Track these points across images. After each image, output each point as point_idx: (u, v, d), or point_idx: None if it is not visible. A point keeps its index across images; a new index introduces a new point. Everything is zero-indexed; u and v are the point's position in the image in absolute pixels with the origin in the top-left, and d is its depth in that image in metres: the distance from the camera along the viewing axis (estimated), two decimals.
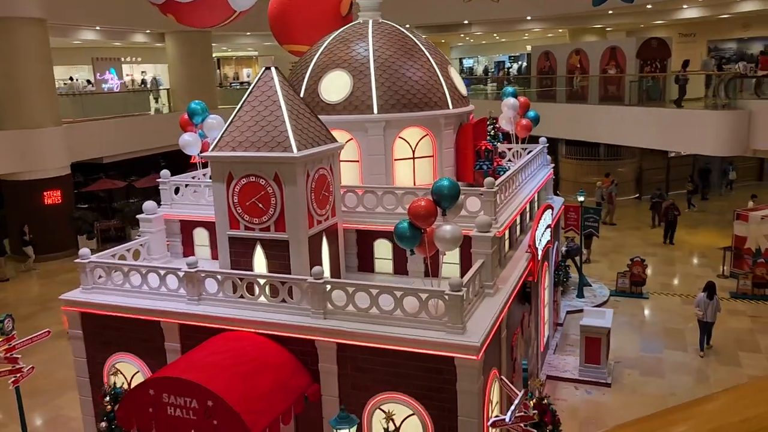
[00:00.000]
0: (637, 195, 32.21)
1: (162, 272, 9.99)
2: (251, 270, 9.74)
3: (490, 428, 8.26)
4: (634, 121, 25.39)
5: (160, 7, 11.10)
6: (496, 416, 8.11)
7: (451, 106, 12.21)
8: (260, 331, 9.22)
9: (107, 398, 9.31)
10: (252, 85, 9.89)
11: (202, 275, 9.71)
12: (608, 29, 40.56)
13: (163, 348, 10.04)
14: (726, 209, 29.35)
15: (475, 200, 10.15)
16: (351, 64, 11.90)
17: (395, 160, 11.89)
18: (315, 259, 9.75)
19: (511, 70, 48.73)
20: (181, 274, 9.78)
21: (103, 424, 9.26)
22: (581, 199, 18.87)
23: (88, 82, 34.75)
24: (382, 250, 10.90)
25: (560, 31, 41.95)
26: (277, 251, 9.56)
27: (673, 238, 23.96)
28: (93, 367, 10.72)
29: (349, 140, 11.52)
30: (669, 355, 15.32)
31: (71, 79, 34.19)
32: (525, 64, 43.35)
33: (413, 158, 12.04)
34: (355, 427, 7.21)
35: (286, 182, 9.28)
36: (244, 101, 9.77)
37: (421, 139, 11.97)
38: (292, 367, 8.94)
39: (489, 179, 10.08)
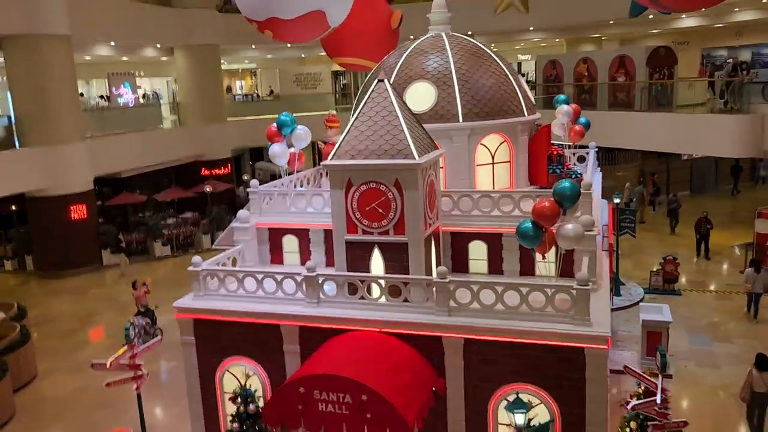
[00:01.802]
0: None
1: (279, 277, 10.38)
2: (368, 272, 10.19)
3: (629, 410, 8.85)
4: (647, 126, 26.46)
5: (259, 23, 11.50)
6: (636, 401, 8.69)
7: (526, 113, 12.84)
8: (385, 330, 9.67)
9: (238, 399, 9.63)
10: (366, 97, 10.37)
11: (321, 279, 10.13)
12: (603, 38, 41.97)
13: (281, 350, 10.41)
14: (730, 209, 30.68)
15: None
16: (434, 75, 12.44)
17: (477, 165, 12.47)
18: (427, 261, 10.26)
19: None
20: (299, 278, 10.19)
21: (235, 425, 9.57)
22: (617, 200, 19.68)
23: (102, 97, 34.69)
24: (477, 251, 11.42)
25: (557, 40, 43.21)
26: (395, 253, 10.03)
27: (708, 252, 23.42)
28: (204, 372, 11.01)
29: None
30: (718, 348, 16.13)
31: (81, 95, 34.12)
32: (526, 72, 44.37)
33: (492, 163, 12.64)
34: (528, 412, 7.63)
35: (407, 188, 9.78)
36: (359, 112, 10.26)
37: (500, 145, 12.56)
38: (421, 362, 9.41)
39: (586, 181, 10.70)
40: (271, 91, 44.05)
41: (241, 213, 12.34)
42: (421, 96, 12.33)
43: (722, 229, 26.18)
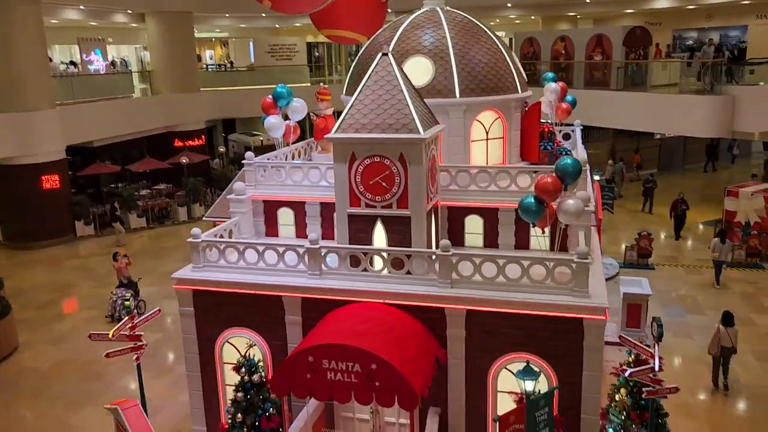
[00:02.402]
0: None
1: (281, 249, 10.44)
2: (370, 245, 10.32)
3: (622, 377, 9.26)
4: (623, 105, 27.05)
5: None
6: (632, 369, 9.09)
7: (519, 90, 13.02)
8: (387, 302, 9.85)
9: (242, 369, 9.72)
10: (370, 70, 10.38)
11: (324, 251, 10.22)
12: (578, 17, 42.34)
13: (282, 321, 10.52)
14: (699, 187, 31.69)
15: None
16: (431, 50, 12.47)
17: (471, 141, 12.63)
18: (428, 234, 10.44)
19: None
20: (301, 250, 10.26)
21: (239, 394, 9.67)
22: (597, 177, 20.15)
23: (71, 63, 33.57)
24: (473, 225, 11.64)
25: (533, 18, 43.40)
26: (398, 227, 10.18)
27: (680, 231, 23.87)
28: (203, 343, 11.05)
29: None
30: (691, 320, 16.85)
31: (50, 60, 32.97)
32: None
33: (487, 139, 12.82)
34: (538, 379, 7.88)
35: (411, 162, 9.89)
36: (363, 85, 10.28)
37: (494, 121, 12.73)
38: (424, 333, 9.64)
39: (583, 158, 10.97)
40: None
41: (237, 185, 12.28)
42: (419, 71, 12.34)
43: (692, 207, 27.06)
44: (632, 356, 10.17)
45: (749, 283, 19.22)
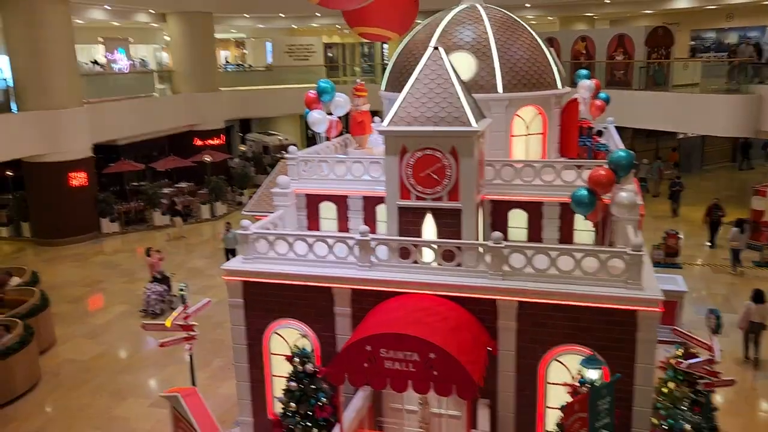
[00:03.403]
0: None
1: (331, 241, 10.55)
2: (420, 237, 10.42)
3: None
4: (647, 105, 27.03)
5: None
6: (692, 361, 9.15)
7: (559, 86, 13.10)
8: (439, 293, 9.94)
9: (296, 359, 9.82)
10: (421, 64, 10.49)
11: (374, 243, 10.32)
12: (596, 18, 42.37)
13: (331, 312, 10.62)
14: (712, 188, 31.60)
15: None
16: (473, 46, 12.56)
17: (512, 136, 12.71)
18: (477, 227, 10.53)
19: None
20: (351, 242, 10.37)
21: (293, 384, 9.78)
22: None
23: (95, 62, 33.87)
24: (517, 219, 11.71)
25: (550, 19, 43.45)
26: (448, 219, 10.27)
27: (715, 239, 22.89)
28: (251, 335, 11.17)
29: None
30: (725, 318, 16.77)
31: None
32: None
33: (527, 135, 12.90)
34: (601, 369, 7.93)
35: (463, 155, 9.99)
36: (414, 79, 10.38)
37: (534, 117, 12.81)
38: (475, 324, 9.73)
39: (631, 153, 11.03)
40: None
41: (281, 178, 12.39)
42: (461, 66, 12.39)
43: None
44: (681, 350, 10.26)
45: None
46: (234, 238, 20.74)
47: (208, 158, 29.92)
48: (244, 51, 55.42)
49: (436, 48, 10.52)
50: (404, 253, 10.26)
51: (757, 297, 14.77)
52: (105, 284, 21.25)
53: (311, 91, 12.94)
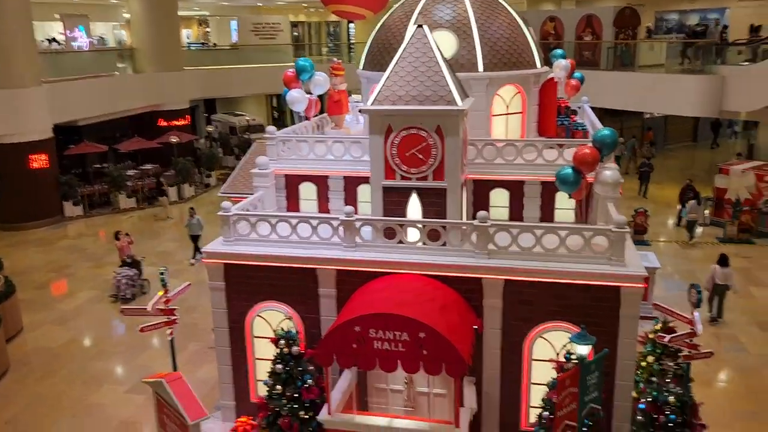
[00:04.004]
0: None
1: (315, 222, 10.41)
2: (405, 217, 10.36)
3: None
4: (615, 85, 27.41)
5: None
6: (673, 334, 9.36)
7: (539, 65, 13.12)
8: (425, 273, 9.92)
9: (281, 341, 9.71)
10: (405, 42, 10.34)
11: (359, 223, 10.23)
12: None
13: (316, 294, 10.52)
14: (677, 167, 32.38)
15: None
16: (453, 24, 12.45)
17: (492, 115, 12.70)
18: (462, 206, 10.52)
19: None
20: (336, 223, 10.25)
21: (279, 366, 9.68)
22: None
23: (53, 40, 32.54)
24: (499, 198, 11.75)
25: None
26: (434, 199, 10.23)
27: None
28: (233, 318, 11.00)
29: None
30: None
31: None
32: None
33: (507, 114, 12.91)
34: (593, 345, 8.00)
35: (448, 134, 9.93)
36: (398, 57, 10.23)
37: (514, 96, 12.81)
38: (461, 302, 9.76)
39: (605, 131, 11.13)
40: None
41: (260, 158, 12.15)
42: (442, 45, 12.24)
43: (677, 186, 27.64)
44: (659, 324, 10.49)
45: (744, 258, 19.81)
46: (198, 223, 20.31)
47: (174, 139, 29.20)
48: (207, 30, 54.15)
49: (420, 26, 10.38)
50: (389, 233, 10.19)
51: (722, 261, 15.78)
52: (72, 269, 20.65)
53: (290, 69, 12.67)
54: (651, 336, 10.36)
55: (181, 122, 33.86)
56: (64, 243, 23.57)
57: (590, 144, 9.87)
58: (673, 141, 37.72)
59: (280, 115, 47.06)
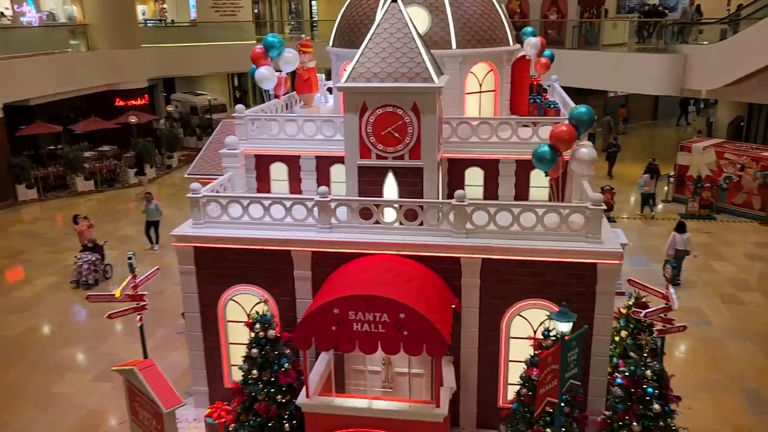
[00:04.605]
0: None
1: (288, 203, 10.15)
2: (380, 197, 10.19)
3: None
4: (579, 64, 27.56)
5: None
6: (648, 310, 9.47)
7: (511, 43, 13.01)
8: (402, 253, 9.80)
9: (257, 325, 9.47)
10: (378, 18, 10.07)
11: (334, 204, 10.01)
12: None
13: (291, 276, 10.30)
14: (639, 145, 32.97)
15: None
16: (426, 0, 12.22)
17: (466, 93, 12.57)
18: (438, 186, 10.39)
19: None
20: (310, 204, 10.01)
21: (255, 350, 9.45)
22: None
23: (0, 15, 30.93)
24: (474, 177, 11.67)
25: None
26: (410, 178, 10.08)
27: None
28: (205, 302, 10.70)
29: None
30: (656, 268, 17.67)
31: None
32: None
33: (480, 92, 12.79)
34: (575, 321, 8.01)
35: (425, 112, 9.75)
36: (372, 33, 9.97)
37: (486, 74, 12.70)
38: (440, 282, 9.68)
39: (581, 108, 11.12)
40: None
41: (229, 138, 11.78)
42: (415, 21, 12.07)
43: (638, 163, 28.11)
44: (632, 300, 10.61)
45: (704, 233, 20.32)
46: (156, 208, 19.57)
47: (133, 119, 28.22)
48: (164, 6, 52.32)
49: (394, 0, 10.11)
50: (365, 213, 10.02)
51: (680, 227, 16.62)
52: (28, 255, 19.86)
53: (258, 45, 12.25)
54: (624, 311, 10.49)
55: (139, 102, 32.74)
56: (19, 228, 22.66)
57: (567, 122, 9.84)
58: (634, 120, 38.38)
59: (242, 94, 46.03)
